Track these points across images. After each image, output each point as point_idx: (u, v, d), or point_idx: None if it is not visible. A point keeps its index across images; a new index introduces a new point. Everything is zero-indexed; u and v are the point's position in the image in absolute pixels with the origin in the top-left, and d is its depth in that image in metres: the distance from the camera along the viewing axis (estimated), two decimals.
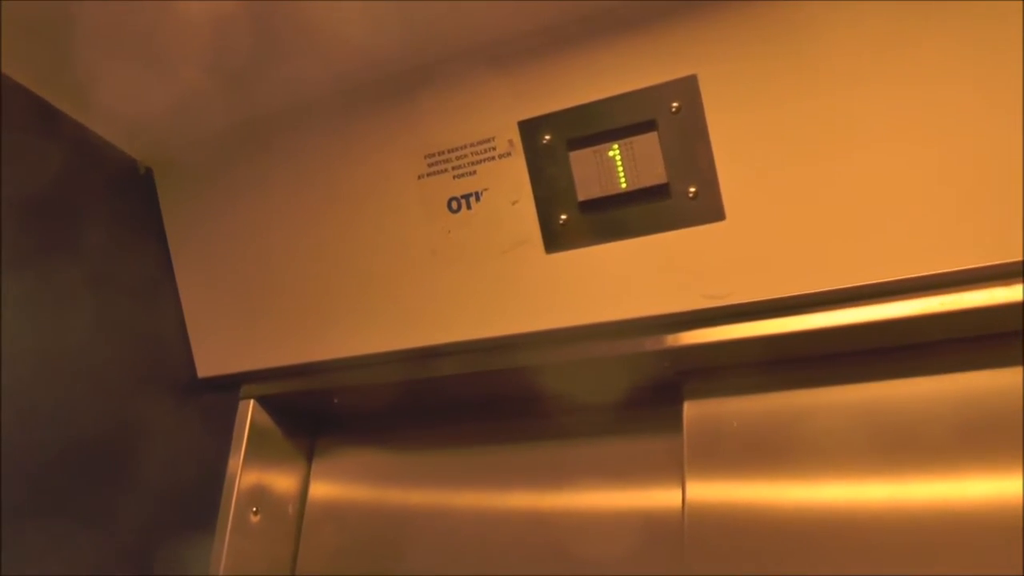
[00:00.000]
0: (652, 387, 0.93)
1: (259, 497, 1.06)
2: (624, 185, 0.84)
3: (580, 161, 0.86)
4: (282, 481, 1.10)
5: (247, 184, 1.02)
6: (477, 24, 0.85)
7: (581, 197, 0.86)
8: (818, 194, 0.78)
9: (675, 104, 0.82)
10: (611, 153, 0.84)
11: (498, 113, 0.88)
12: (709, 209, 0.82)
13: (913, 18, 0.73)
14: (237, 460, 1.05)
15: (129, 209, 1.06)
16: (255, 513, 1.05)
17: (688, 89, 0.81)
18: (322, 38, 0.87)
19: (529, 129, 0.87)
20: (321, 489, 1.12)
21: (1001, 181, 0.72)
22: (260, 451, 1.07)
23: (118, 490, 0.97)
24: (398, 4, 0.83)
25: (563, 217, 0.87)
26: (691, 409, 0.88)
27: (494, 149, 0.89)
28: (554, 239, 0.87)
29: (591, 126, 0.85)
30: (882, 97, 0.75)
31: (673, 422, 0.90)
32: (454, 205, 0.91)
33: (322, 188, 0.98)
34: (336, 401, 1.07)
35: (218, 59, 0.89)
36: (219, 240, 1.05)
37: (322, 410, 1.10)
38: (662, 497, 0.91)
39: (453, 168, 0.91)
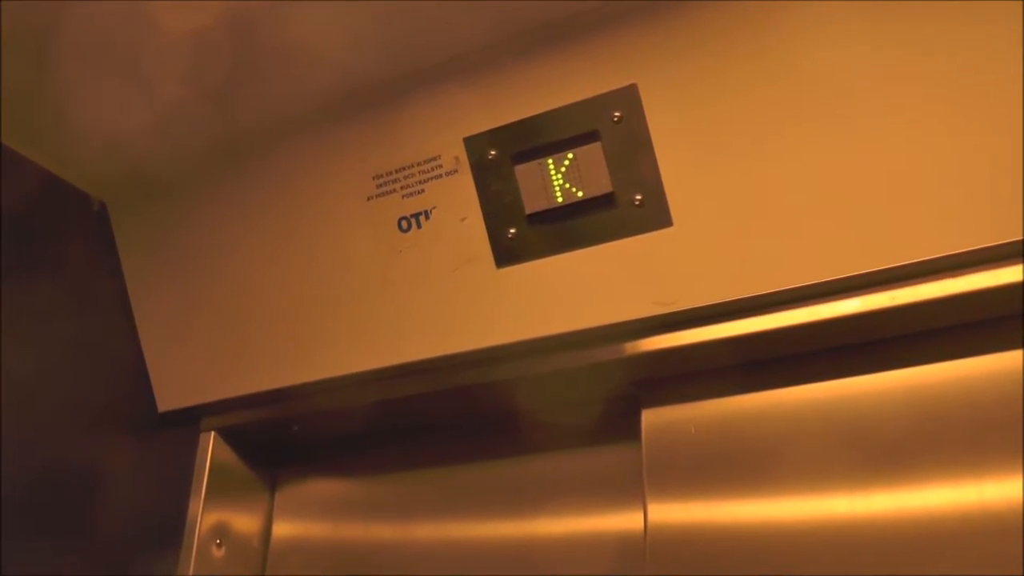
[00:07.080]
0: (611, 398, 0.92)
1: (222, 531, 1.04)
2: (571, 196, 0.84)
3: (525, 174, 0.86)
4: (245, 515, 1.08)
5: (200, 215, 1.02)
6: (420, 45, 0.85)
7: (528, 210, 0.86)
8: (764, 194, 0.78)
9: (617, 113, 0.82)
10: (556, 165, 0.85)
11: (443, 130, 0.88)
12: (656, 216, 0.82)
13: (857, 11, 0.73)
14: (199, 493, 1.03)
15: (83, 245, 1.05)
16: (219, 546, 1.03)
17: (629, 98, 0.82)
18: (270, 67, 0.87)
19: (474, 145, 0.87)
20: (285, 521, 1.10)
21: (944, 176, 0.72)
22: (222, 484, 1.05)
23: (78, 530, 0.95)
24: (342, 31, 0.83)
25: (512, 231, 0.87)
26: (649, 417, 0.88)
27: (441, 167, 0.89)
28: (504, 254, 0.87)
29: (535, 139, 0.85)
30: (824, 93, 0.75)
31: (633, 432, 0.89)
32: (404, 225, 0.91)
33: (274, 215, 0.97)
34: (295, 429, 1.05)
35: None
36: (175, 272, 1.04)
37: (282, 440, 1.09)
38: (626, 512, 0.89)
39: (402, 188, 0.91)
